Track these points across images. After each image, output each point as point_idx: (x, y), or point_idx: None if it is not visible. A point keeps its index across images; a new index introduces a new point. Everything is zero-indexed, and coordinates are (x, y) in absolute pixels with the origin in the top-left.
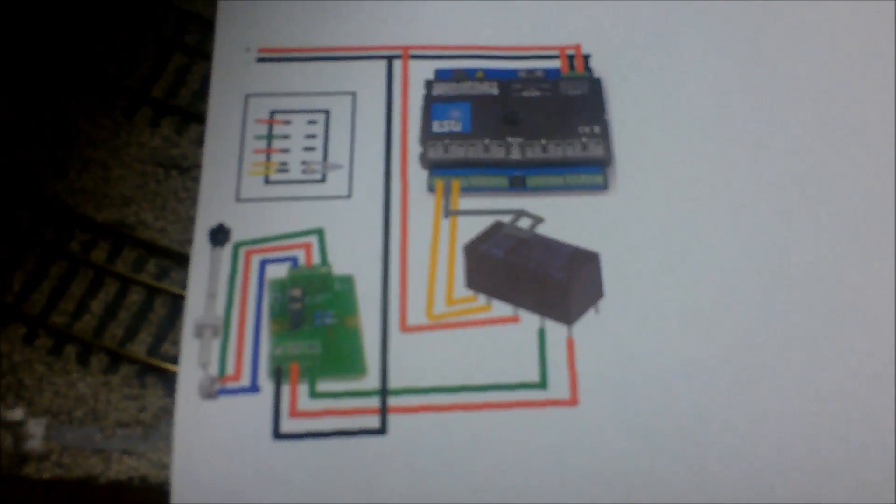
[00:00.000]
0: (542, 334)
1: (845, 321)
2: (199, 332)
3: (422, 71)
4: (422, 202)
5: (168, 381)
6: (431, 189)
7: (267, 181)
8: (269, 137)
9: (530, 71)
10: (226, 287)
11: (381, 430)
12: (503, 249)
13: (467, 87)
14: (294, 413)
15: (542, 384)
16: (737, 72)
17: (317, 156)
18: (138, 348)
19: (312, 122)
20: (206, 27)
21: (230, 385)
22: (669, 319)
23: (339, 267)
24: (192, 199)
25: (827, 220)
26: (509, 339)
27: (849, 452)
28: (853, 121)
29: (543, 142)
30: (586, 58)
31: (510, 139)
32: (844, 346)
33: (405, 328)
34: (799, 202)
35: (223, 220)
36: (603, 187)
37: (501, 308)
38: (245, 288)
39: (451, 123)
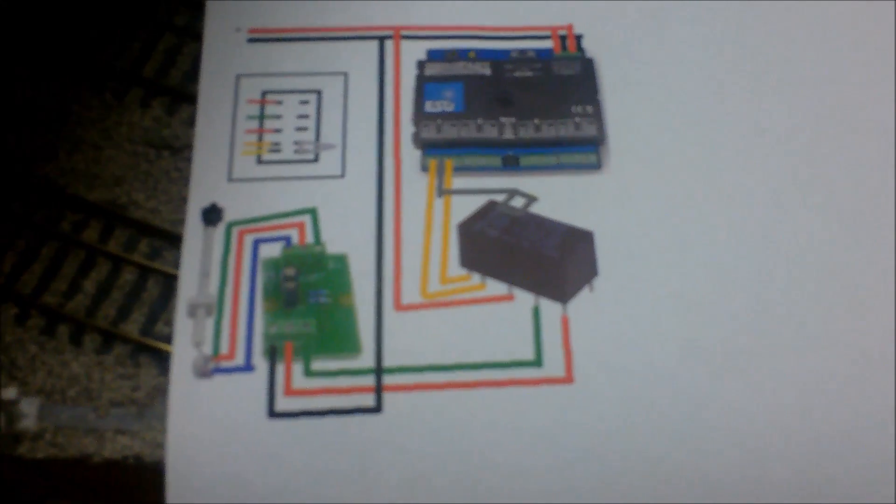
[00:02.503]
0: (536, 313)
1: (841, 303)
2: (192, 311)
3: (414, 51)
4: (415, 182)
5: (161, 360)
6: (425, 169)
7: (259, 161)
8: (261, 118)
9: (522, 51)
10: (219, 266)
11: (377, 409)
12: (497, 228)
13: (459, 68)
14: (289, 392)
15: (538, 362)
16: (730, 51)
17: (309, 136)
18: (131, 328)
19: (304, 103)
20: (196, 8)
21: (224, 364)
22: (664, 298)
23: (332, 246)
24: (184, 179)
25: (822, 201)
26: (504, 317)
27: (845, 433)
28: (846, 103)
29: (536, 121)
30: (578, 38)
31: (503, 119)
32: (840, 327)
33: (400, 307)
34: (794, 184)
35: (216, 200)
36: (596, 166)
37: (496, 287)
38: (238, 267)
39: (443, 103)
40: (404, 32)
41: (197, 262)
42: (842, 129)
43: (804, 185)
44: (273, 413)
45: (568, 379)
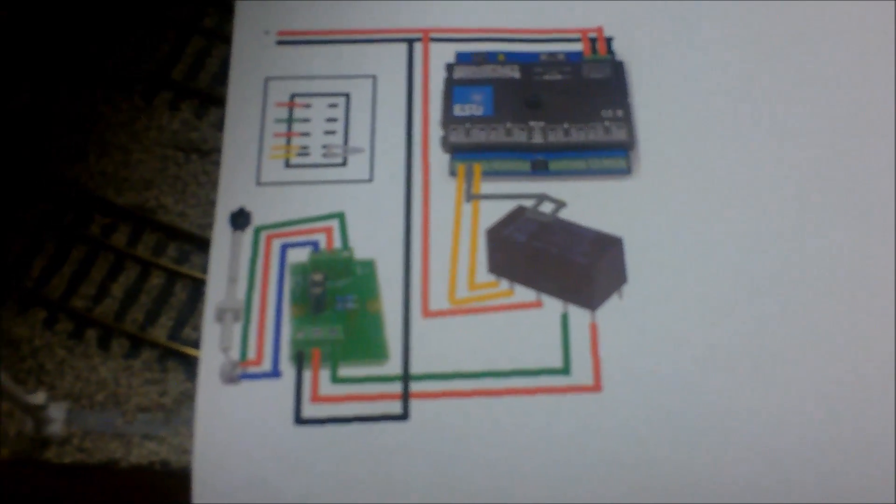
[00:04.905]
0: (565, 320)
1: (871, 308)
2: (220, 316)
3: (443, 54)
4: (443, 186)
5: (189, 365)
6: (453, 173)
7: (287, 165)
8: (290, 121)
9: (552, 54)
10: (247, 271)
11: (403, 416)
12: (526, 234)
13: (489, 71)
14: (315, 398)
15: (566, 370)
16: (763, 54)
17: (337, 139)
18: (159, 332)
19: (333, 106)
20: (224, 10)
21: (251, 370)
22: (694, 305)
23: (360, 251)
24: (212, 182)
25: (851, 207)
26: (532, 324)
27: (874, 439)
28: (882, 108)
29: (566, 125)
30: (609, 40)
31: (532, 123)
32: (870, 333)
33: (427, 313)
34: (823, 189)
35: (244, 204)
36: (626, 171)
37: (524, 293)
38: (266, 272)
39: (472, 107)
40: (433, 35)
41: (225, 267)
42: (880, 135)
43: (840, 191)
44: (299, 419)
45: (596, 387)
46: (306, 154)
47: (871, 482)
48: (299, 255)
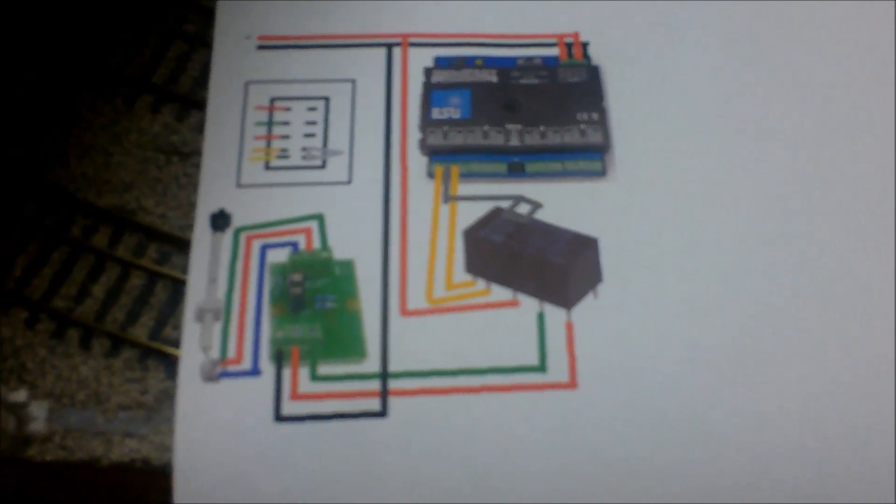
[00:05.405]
0: (541, 318)
1: (845, 307)
2: (200, 315)
3: (421, 58)
4: (421, 188)
5: (170, 364)
6: (431, 175)
7: (267, 167)
8: (270, 124)
9: (529, 58)
10: (227, 271)
11: (382, 413)
12: (502, 235)
13: (466, 75)
14: (295, 396)
15: (542, 367)
16: (736, 58)
17: (317, 142)
18: (140, 332)
19: (312, 109)
20: (206, 15)
21: (231, 368)
22: (668, 304)
23: (339, 252)
24: (192, 184)
25: (828, 207)
26: (509, 322)
27: (850, 438)
28: (851, 109)
29: (542, 128)
30: (585, 45)
31: (509, 126)
32: (844, 331)
33: (405, 312)
34: (798, 189)
35: (224, 206)
36: (601, 173)
37: (501, 292)
38: (246, 272)
39: (450, 110)
40: (412, 40)
41: (205, 268)
42: (850, 134)
43: (810, 191)
44: (279, 417)
45: (572, 384)
46: (286, 156)
47: (852, 479)
48: (279, 256)
